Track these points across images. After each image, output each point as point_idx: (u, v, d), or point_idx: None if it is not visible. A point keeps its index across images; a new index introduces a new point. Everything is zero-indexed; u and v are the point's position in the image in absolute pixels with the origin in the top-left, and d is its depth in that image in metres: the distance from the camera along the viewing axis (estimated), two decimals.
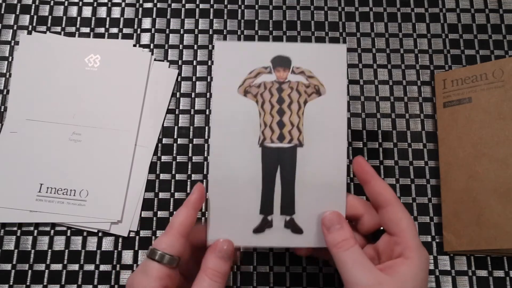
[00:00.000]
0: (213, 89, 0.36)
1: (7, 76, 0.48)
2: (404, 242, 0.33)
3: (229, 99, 0.36)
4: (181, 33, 0.51)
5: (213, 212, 0.35)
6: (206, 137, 0.47)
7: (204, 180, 0.46)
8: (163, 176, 0.46)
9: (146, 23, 0.51)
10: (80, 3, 0.51)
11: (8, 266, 0.44)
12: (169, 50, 0.50)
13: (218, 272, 0.33)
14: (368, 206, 0.36)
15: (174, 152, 0.47)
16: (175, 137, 0.47)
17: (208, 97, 0.49)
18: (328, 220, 0.34)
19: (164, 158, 0.47)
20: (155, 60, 0.49)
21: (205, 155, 0.47)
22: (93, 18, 0.51)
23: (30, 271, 0.44)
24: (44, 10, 0.51)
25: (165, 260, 0.32)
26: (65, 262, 0.44)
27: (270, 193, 0.36)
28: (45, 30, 0.50)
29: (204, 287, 0.32)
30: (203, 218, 0.44)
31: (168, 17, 0.51)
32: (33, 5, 0.51)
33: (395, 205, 0.34)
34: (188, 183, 0.46)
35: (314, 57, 0.37)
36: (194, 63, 0.50)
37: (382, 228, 0.36)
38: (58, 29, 0.50)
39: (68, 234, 0.44)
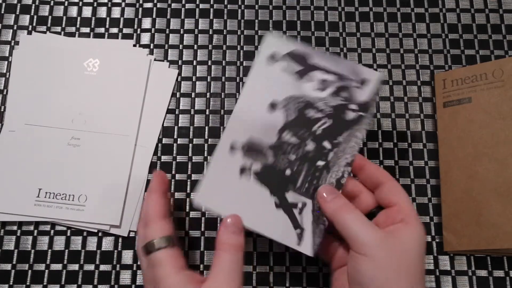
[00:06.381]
0: None
1: (7, 76, 0.48)
2: (404, 210, 0.35)
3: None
4: (181, 33, 0.51)
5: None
6: (206, 137, 0.47)
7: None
8: None
9: (146, 23, 0.51)
10: (80, 3, 0.51)
11: (8, 266, 0.44)
12: (169, 50, 0.50)
13: (232, 245, 0.34)
14: (363, 187, 0.38)
15: (174, 152, 0.47)
16: (175, 137, 0.47)
17: (208, 97, 0.49)
18: (324, 192, 0.36)
19: (164, 158, 0.47)
20: (155, 60, 0.49)
21: (205, 155, 0.47)
22: (93, 18, 0.51)
23: (30, 271, 0.44)
24: (44, 10, 0.51)
25: (163, 243, 0.34)
26: (65, 262, 0.44)
27: None
28: (45, 30, 0.50)
29: (223, 260, 0.33)
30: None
31: (168, 17, 0.51)
32: (33, 5, 0.51)
33: (392, 181, 0.37)
34: (188, 183, 0.46)
35: None
36: (194, 63, 0.50)
37: (374, 210, 0.37)
38: (58, 29, 0.50)
39: (68, 234, 0.45)
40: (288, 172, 0.39)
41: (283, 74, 0.41)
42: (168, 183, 0.38)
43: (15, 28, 0.50)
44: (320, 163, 0.39)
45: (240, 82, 0.49)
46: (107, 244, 0.44)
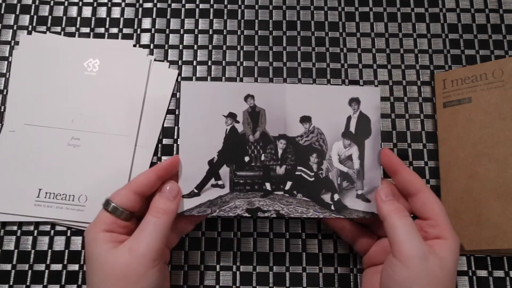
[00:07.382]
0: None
1: (7, 76, 0.48)
2: (440, 225, 0.35)
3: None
4: (181, 33, 0.51)
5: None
6: None
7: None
8: None
9: (146, 23, 0.51)
10: (80, 3, 0.51)
11: (8, 266, 0.44)
12: (169, 50, 0.50)
13: (161, 209, 0.36)
14: (399, 194, 0.38)
15: (174, 152, 0.47)
16: (175, 137, 0.47)
17: None
18: (382, 191, 0.37)
19: (164, 158, 0.47)
20: (155, 60, 0.49)
21: None
22: (93, 18, 0.51)
23: (30, 271, 0.44)
24: (44, 10, 0.51)
25: (111, 209, 0.35)
26: (65, 262, 0.44)
27: None
28: (45, 30, 0.50)
29: (148, 222, 0.35)
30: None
31: (168, 17, 0.51)
32: (33, 5, 0.51)
33: (426, 191, 0.36)
34: None
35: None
36: (194, 63, 0.50)
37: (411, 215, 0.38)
38: (58, 29, 0.50)
39: (68, 234, 0.45)
40: (246, 159, 0.39)
41: (348, 119, 0.39)
42: (171, 172, 0.38)
43: (15, 28, 0.50)
44: (268, 186, 0.39)
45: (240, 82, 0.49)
46: None
